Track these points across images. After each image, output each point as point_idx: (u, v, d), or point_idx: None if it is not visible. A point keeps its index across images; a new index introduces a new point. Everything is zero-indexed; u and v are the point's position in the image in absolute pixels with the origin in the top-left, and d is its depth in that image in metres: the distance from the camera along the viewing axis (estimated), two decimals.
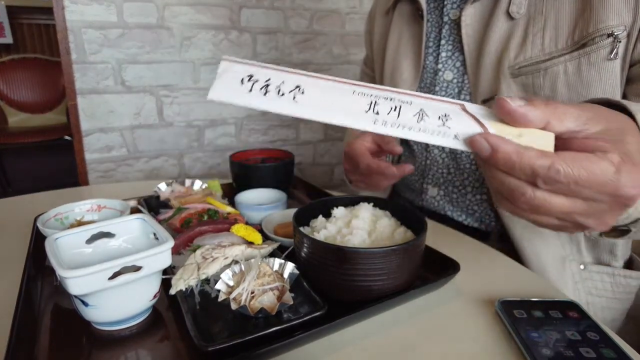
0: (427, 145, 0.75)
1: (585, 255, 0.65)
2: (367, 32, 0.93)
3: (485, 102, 0.65)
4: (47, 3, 2.38)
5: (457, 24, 0.70)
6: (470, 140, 0.34)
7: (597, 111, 0.37)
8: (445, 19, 0.71)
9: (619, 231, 0.45)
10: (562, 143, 0.35)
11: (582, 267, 0.65)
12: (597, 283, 0.65)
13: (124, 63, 1.60)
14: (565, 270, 0.64)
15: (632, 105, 0.40)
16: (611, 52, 0.55)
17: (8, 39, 3.01)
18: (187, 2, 1.64)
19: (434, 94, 0.60)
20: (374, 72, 0.91)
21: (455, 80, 0.71)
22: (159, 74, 1.67)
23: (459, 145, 0.34)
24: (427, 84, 0.75)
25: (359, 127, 0.34)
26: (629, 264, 0.70)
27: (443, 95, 0.60)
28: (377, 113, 0.34)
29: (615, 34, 0.54)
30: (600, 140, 0.34)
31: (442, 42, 0.72)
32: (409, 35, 0.76)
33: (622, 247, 0.67)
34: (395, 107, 0.34)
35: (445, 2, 0.71)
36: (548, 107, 0.34)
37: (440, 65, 0.72)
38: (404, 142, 0.82)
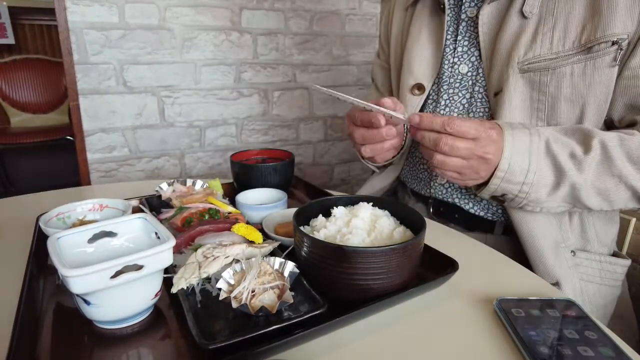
0: None
1: (574, 241, 0.69)
2: (384, 26, 0.96)
3: (496, 94, 0.68)
4: (48, 4, 2.39)
5: (473, 21, 0.73)
6: (409, 117, 0.60)
7: (475, 118, 0.67)
8: (463, 16, 0.74)
9: (499, 200, 0.64)
10: None
11: (572, 253, 0.68)
12: (587, 269, 0.69)
13: (125, 64, 1.61)
14: (559, 255, 0.66)
15: (500, 120, 0.65)
16: (615, 59, 0.59)
17: (10, 39, 3.01)
18: (188, 4, 1.65)
19: (449, 85, 0.76)
20: (388, 64, 0.93)
21: (469, 74, 0.74)
22: (160, 74, 1.67)
23: (406, 121, 0.61)
24: (444, 75, 0.77)
25: (358, 104, 0.64)
26: (614, 256, 0.73)
27: (457, 87, 0.76)
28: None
29: (620, 42, 0.58)
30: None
31: (459, 37, 0.75)
32: (429, 28, 0.80)
33: (606, 236, 0.71)
34: (377, 104, 0.64)
35: (464, 0, 0.74)
36: (444, 116, 0.59)
37: (456, 59, 0.75)
38: None
